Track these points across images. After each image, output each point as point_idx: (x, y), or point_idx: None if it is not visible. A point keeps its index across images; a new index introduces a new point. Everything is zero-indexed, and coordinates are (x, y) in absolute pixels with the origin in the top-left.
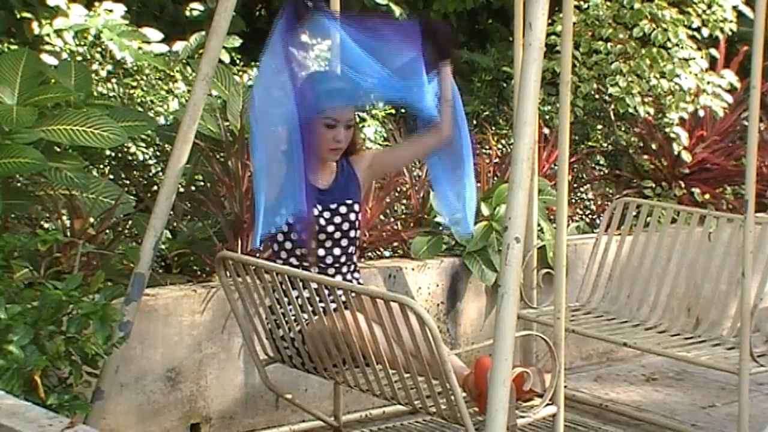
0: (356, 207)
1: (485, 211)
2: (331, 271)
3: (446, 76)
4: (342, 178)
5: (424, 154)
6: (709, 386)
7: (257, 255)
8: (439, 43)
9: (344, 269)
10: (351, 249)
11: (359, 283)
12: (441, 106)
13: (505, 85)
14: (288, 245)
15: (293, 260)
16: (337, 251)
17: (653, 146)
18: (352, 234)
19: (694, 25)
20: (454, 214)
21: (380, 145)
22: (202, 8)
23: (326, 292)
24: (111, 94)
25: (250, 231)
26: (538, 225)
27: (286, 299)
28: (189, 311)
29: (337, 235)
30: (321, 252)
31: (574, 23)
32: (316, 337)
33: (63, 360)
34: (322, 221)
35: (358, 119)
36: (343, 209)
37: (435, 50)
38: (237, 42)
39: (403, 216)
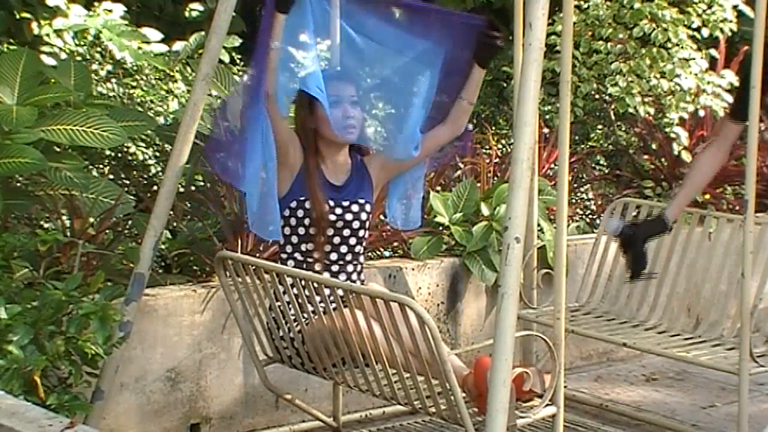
0: (368, 207)
1: (485, 211)
2: (335, 268)
3: (479, 79)
4: (356, 177)
5: (437, 149)
6: (709, 386)
7: (257, 255)
8: (491, 47)
9: (349, 268)
10: (358, 248)
11: (362, 284)
12: (462, 105)
13: (505, 85)
14: (294, 239)
15: (297, 255)
16: (343, 249)
17: (653, 146)
18: (361, 233)
19: (694, 25)
20: (398, 217)
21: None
22: (202, 8)
23: (326, 291)
24: (111, 94)
25: (249, 231)
26: (538, 225)
27: (286, 299)
28: (189, 311)
29: (346, 232)
30: (327, 248)
31: (574, 23)
32: (315, 336)
33: (63, 360)
34: (332, 217)
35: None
36: (355, 207)
37: (483, 52)
38: (237, 42)
39: None
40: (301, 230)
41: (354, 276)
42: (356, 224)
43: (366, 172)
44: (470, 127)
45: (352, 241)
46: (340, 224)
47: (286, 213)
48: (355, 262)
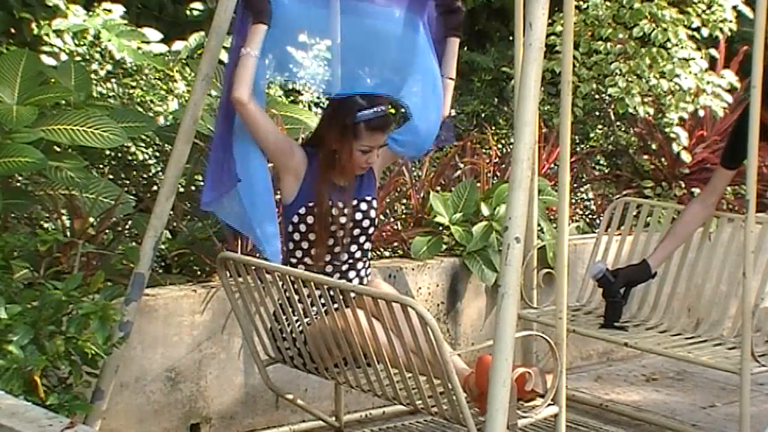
0: (374, 203)
1: (485, 211)
2: (345, 267)
3: (456, 50)
4: (359, 174)
5: None
6: (709, 386)
7: (258, 255)
8: (452, 13)
9: (359, 265)
10: (367, 245)
11: (366, 282)
12: (445, 83)
13: (504, 84)
14: (305, 245)
15: (308, 260)
16: (353, 248)
17: (653, 146)
18: (371, 231)
19: (694, 25)
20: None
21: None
22: (202, 8)
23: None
24: (110, 94)
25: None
26: (538, 225)
27: (287, 299)
28: (189, 311)
29: (356, 231)
30: (337, 249)
31: (574, 23)
32: (317, 336)
33: (63, 360)
34: (342, 219)
35: None
36: (363, 206)
37: (447, 20)
38: None
39: (403, 216)
40: (312, 236)
41: (363, 272)
42: (366, 222)
43: (369, 168)
44: (452, 112)
45: (362, 239)
46: (350, 225)
47: (295, 219)
48: (364, 260)
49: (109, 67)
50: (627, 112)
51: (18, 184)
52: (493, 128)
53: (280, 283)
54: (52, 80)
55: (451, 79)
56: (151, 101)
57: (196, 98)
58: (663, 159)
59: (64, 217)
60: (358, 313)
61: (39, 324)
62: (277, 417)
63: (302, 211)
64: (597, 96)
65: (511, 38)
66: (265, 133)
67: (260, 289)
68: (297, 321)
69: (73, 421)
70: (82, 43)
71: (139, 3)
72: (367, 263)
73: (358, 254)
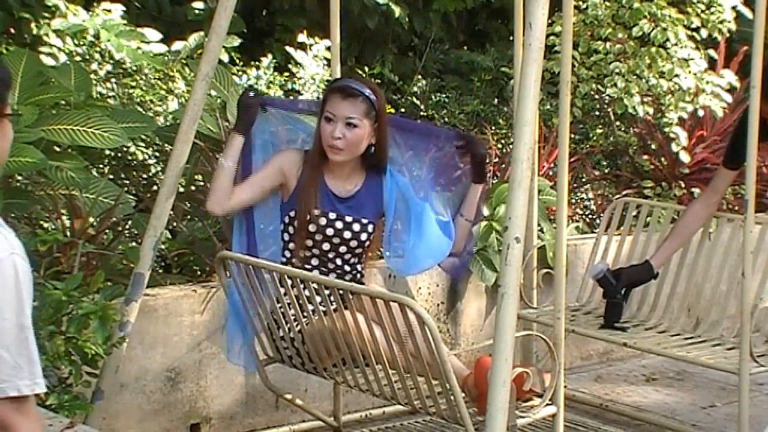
0: (370, 228)
1: (485, 211)
2: (333, 276)
3: (477, 196)
4: (366, 192)
5: None
6: (709, 386)
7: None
8: (480, 161)
9: (347, 277)
10: (353, 261)
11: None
12: (461, 223)
13: (504, 84)
14: (291, 246)
15: (295, 261)
16: (338, 261)
17: (653, 146)
18: (358, 251)
19: (693, 26)
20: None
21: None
22: (202, 8)
23: (326, 292)
24: (110, 94)
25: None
26: (538, 225)
27: (286, 299)
28: (189, 311)
29: (342, 249)
30: (315, 251)
31: (573, 23)
32: (316, 336)
33: (63, 360)
34: (330, 231)
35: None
36: (356, 226)
37: (475, 167)
38: (237, 42)
39: None
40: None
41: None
42: (354, 243)
43: (380, 191)
44: (473, 250)
45: (348, 256)
46: (336, 240)
47: (286, 220)
48: (353, 272)
49: (108, 67)
50: (626, 112)
51: (18, 184)
52: (493, 128)
53: (279, 282)
54: (52, 80)
55: (468, 221)
56: (151, 101)
57: (196, 98)
58: (663, 159)
59: (64, 217)
60: (357, 315)
61: (39, 324)
62: (277, 417)
63: (292, 213)
64: (596, 96)
65: (510, 38)
66: (254, 197)
67: (259, 289)
68: (295, 321)
69: (73, 421)
70: (81, 43)
71: (138, 3)
72: (358, 276)
73: (346, 267)
